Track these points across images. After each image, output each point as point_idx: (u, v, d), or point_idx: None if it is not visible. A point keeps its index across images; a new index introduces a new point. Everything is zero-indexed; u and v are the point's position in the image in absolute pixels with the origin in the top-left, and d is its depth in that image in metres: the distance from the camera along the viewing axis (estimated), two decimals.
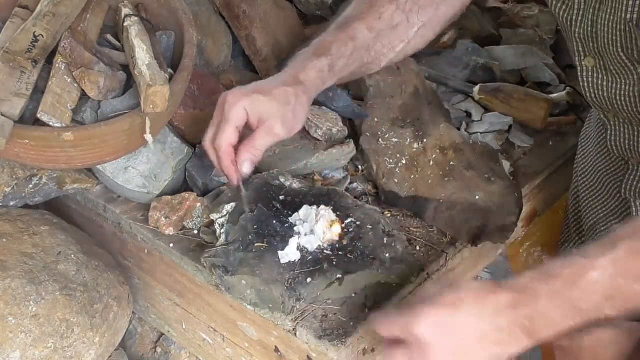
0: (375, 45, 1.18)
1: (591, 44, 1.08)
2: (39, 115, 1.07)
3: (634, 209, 1.21)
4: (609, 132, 1.20)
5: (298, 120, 1.09)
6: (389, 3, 1.17)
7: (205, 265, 1.08)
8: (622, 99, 1.11)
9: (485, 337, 0.82)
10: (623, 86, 1.09)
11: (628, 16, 0.98)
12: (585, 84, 1.14)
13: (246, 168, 1.05)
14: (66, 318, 1.09)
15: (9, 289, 1.06)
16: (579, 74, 1.14)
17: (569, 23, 1.09)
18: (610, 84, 1.11)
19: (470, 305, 0.82)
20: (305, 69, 1.11)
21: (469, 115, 1.54)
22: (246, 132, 1.07)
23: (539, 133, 1.52)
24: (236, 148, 1.06)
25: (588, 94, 1.15)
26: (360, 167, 1.36)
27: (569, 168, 1.51)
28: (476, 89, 1.54)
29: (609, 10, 1.02)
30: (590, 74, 1.12)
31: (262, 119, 1.05)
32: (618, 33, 1.02)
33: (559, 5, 1.10)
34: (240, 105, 1.04)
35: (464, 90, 1.58)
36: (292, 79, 1.09)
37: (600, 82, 1.12)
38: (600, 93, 1.13)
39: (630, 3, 0.98)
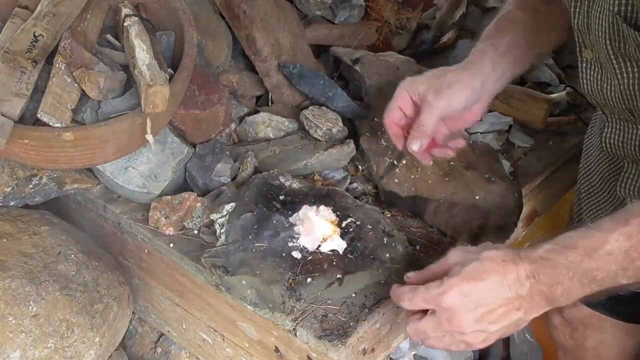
0: (535, 22, 1.23)
1: (587, 36, 1.08)
2: (39, 115, 1.07)
3: None
4: (605, 129, 1.20)
5: (455, 92, 1.16)
6: None
7: (205, 265, 1.08)
8: (613, 94, 1.11)
9: (508, 304, 0.91)
10: (612, 81, 1.09)
11: (615, 8, 0.98)
12: (583, 76, 1.14)
13: (414, 146, 1.16)
14: (66, 318, 1.09)
15: (9, 289, 1.06)
16: (579, 65, 1.14)
17: (572, 15, 1.09)
18: (603, 78, 1.11)
19: (493, 276, 0.91)
20: (470, 53, 1.22)
21: None
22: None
23: (539, 133, 1.52)
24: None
25: (585, 87, 1.16)
26: (360, 167, 1.36)
27: (568, 168, 1.51)
28: None
29: (600, 2, 1.01)
30: (588, 65, 1.12)
31: (420, 95, 1.17)
32: (606, 25, 1.01)
33: None
34: (402, 86, 1.19)
35: None
36: (457, 63, 1.23)
37: (595, 75, 1.12)
38: (595, 87, 1.13)
39: None
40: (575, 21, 1.08)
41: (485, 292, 0.91)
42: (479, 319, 0.92)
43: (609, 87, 1.10)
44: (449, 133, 1.23)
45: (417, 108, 1.18)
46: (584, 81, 1.15)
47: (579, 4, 1.07)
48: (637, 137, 1.15)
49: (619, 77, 1.06)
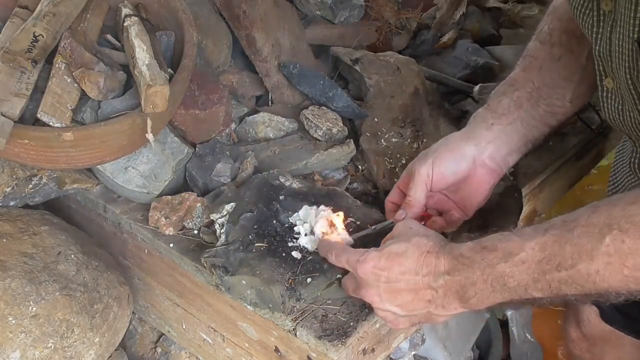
0: (542, 80, 1.17)
1: (609, 64, 1.03)
2: (39, 115, 1.07)
3: None
4: (634, 153, 1.16)
5: (439, 156, 1.13)
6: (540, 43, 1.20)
7: (205, 265, 1.08)
8: (635, 124, 1.06)
9: (417, 292, 0.94)
10: (633, 112, 1.05)
11: (636, 35, 0.94)
12: (604, 105, 1.10)
13: (397, 215, 1.12)
14: (66, 318, 1.09)
15: (9, 289, 1.06)
16: (600, 95, 1.09)
17: (592, 41, 1.05)
18: (624, 109, 1.07)
19: (410, 262, 0.94)
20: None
21: (469, 115, 1.53)
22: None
23: None
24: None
25: (607, 116, 1.11)
26: (360, 167, 1.36)
27: (568, 168, 1.51)
28: (476, 89, 1.54)
29: (620, 30, 0.97)
30: (608, 95, 1.08)
31: (411, 170, 1.15)
32: (627, 52, 0.97)
33: (585, 22, 1.05)
34: (405, 170, 1.18)
35: (464, 90, 1.57)
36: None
37: (616, 105, 1.07)
38: (617, 116, 1.09)
39: (637, 22, 0.93)
40: (597, 48, 1.04)
41: (397, 275, 0.94)
42: (385, 298, 0.95)
43: (630, 118, 1.06)
44: (458, 214, 1.17)
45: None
46: (606, 110, 1.10)
47: (600, 30, 1.02)
48: None
49: (639, 107, 1.02)
